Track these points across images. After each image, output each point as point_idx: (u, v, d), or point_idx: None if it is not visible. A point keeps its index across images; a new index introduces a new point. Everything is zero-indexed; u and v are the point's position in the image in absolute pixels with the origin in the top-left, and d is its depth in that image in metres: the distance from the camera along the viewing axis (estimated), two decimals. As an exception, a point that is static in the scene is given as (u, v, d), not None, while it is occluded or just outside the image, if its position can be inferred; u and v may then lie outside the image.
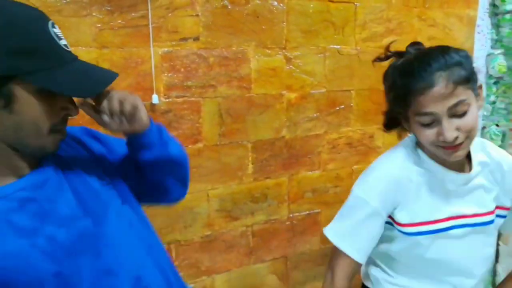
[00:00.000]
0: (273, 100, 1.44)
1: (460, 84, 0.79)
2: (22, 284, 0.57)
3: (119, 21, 1.17)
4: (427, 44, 1.04)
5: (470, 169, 0.90)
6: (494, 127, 1.94)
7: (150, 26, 1.17)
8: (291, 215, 1.56)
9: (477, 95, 0.83)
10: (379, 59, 0.96)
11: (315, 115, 1.53)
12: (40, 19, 0.61)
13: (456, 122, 0.80)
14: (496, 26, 1.89)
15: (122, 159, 0.80)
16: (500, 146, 1.90)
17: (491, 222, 0.92)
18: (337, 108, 1.58)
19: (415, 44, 0.91)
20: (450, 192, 0.90)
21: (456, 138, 0.80)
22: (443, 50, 0.83)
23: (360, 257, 0.91)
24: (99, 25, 1.15)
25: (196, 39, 1.27)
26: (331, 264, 0.95)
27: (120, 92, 0.67)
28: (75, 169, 0.69)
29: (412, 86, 0.81)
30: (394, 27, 1.65)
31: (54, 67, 0.59)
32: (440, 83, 0.79)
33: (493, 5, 1.86)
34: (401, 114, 0.89)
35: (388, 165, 0.93)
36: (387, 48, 0.95)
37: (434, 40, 1.76)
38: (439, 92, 0.79)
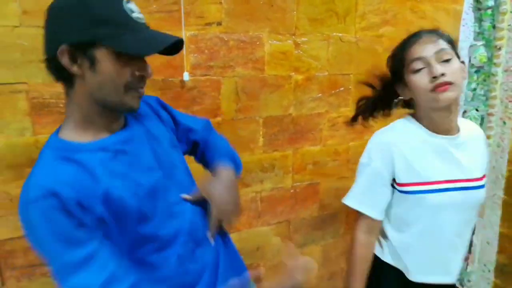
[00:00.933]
0: (283, 80, 1.62)
1: (443, 39, 1.02)
2: (115, 214, 0.75)
3: (154, 6, 1.32)
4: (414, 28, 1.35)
5: (457, 132, 1.10)
6: (474, 111, 2.16)
7: (182, 11, 1.33)
8: (294, 184, 1.76)
9: (461, 62, 1.04)
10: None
11: (318, 95, 1.71)
12: None
13: (443, 66, 1.00)
14: (479, 20, 2.09)
15: (183, 131, 0.98)
16: (478, 128, 2.13)
17: (482, 186, 1.10)
18: (338, 90, 1.76)
19: None
20: (443, 157, 1.08)
21: (444, 74, 0.99)
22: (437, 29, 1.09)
23: (375, 213, 1.11)
24: (137, 10, 1.30)
25: (219, 24, 1.44)
26: (355, 224, 1.14)
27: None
28: (151, 130, 0.86)
29: (406, 43, 1.07)
30: (389, 18, 1.83)
31: (126, 34, 0.73)
32: (427, 35, 1.05)
33: (477, 1, 2.06)
34: (399, 80, 1.10)
35: (385, 134, 1.13)
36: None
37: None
38: (425, 40, 1.03)
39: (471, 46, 2.11)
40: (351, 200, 1.14)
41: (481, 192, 1.12)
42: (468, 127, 1.16)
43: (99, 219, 0.72)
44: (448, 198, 1.06)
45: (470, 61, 2.13)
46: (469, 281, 2.32)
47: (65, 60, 0.72)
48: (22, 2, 1.16)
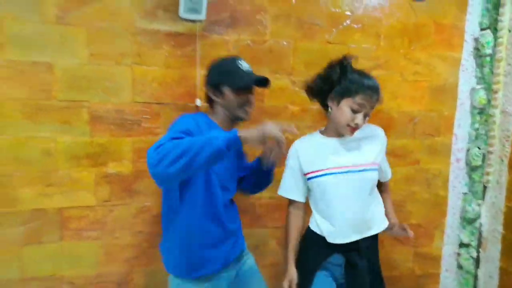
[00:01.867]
0: (280, 110, 2.04)
1: (375, 107, 1.49)
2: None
3: (179, 52, 1.86)
4: (411, 78, 2.07)
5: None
6: (476, 149, 2.33)
7: (198, 56, 1.86)
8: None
9: None
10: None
11: (311, 124, 2.09)
12: (234, 58, 1.52)
13: (363, 119, 1.46)
14: (480, 66, 2.31)
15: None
16: (480, 165, 2.31)
17: (366, 170, 1.52)
18: (332, 120, 2.12)
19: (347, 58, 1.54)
20: (334, 152, 1.54)
21: (360, 124, 1.46)
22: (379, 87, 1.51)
23: (296, 196, 1.59)
24: (167, 55, 1.86)
25: (228, 65, 1.93)
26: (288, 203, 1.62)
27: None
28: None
29: (362, 86, 1.45)
30: (381, 63, 2.16)
31: (236, 78, 1.48)
32: (375, 99, 1.47)
33: (477, 49, 2.29)
34: (334, 99, 1.51)
35: (295, 143, 1.63)
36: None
37: (419, 74, 2.24)
38: (372, 98, 1.46)
39: (472, 89, 2.32)
40: (280, 190, 1.65)
41: (366, 174, 1.53)
42: (367, 130, 1.60)
43: None
44: (333, 179, 1.49)
45: (471, 103, 2.34)
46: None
47: (211, 93, 1.53)
48: (91, 48, 1.77)
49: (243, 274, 1.66)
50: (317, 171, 1.52)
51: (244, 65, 1.52)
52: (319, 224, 1.55)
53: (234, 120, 1.55)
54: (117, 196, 1.88)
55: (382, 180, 1.70)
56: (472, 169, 2.36)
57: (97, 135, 1.83)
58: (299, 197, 1.61)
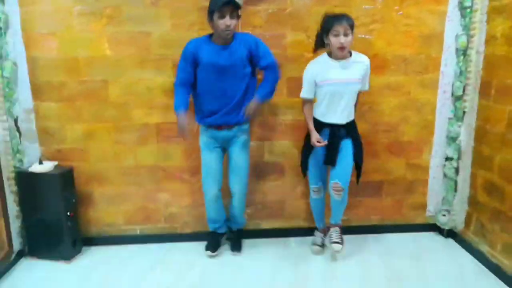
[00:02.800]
0: (299, 57, 2.90)
1: (349, 24, 2.46)
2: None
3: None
4: (401, 28, 2.91)
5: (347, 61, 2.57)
6: (459, 82, 2.96)
7: (240, 21, 2.78)
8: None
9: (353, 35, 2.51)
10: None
11: (323, 66, 2.92)
12: None
13: (345, 38, 2.46)
14: (463, 16, 2.91)
15: (257, 57, 2.66)
16: (461, 95, 2.97)
17: (354, 83, 2.59)
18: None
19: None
20: (337, 68, 2.56)
21: (343, 43, 2.46)
22: (348, 16, 2.50)
23: (308, 95, 2.69)
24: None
25: (260, 27, 2.83)
26: (303, 103, 2.75)
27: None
28: (236, 48, 2.58)
29: (333, 21, 2.46)
30: (378, 18, 2.89)
31: (216, 3, 2.44)
32: (343, 21, 2.44)
33: (460, 3, 2.89)
34: (326, 36, 2.52)
35: (311, 63, 2.66)
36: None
37: (410, 26, 2.92)
38: (342, 24, 2.43)
39: (456, 35, 2.95)
40: (302, 94, 2.68)
41: (354, 85, 2.59)
42: (357, 57, 2.60)
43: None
44: (334, 86, 2.56)
45: (456, 46, 2.96)
46: (449, 211, 3.13)
47: (208, 21, 2.54)
48: (172, 21, 2.79)
49: (231, 139, 2.75)
50: (324, 81, 2.57)
51: None
52: (317, 112, 2.68)
53: (224, 39, 2.53)
54: (189, 115, 2.91)
55: (361, 89, 2.67)
56: (456, 98, 3.02)
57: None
58: (311, 96, 2.67)
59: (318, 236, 3.04)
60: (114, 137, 2.95)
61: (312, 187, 2.85)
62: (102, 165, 2.99)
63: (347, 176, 2.68)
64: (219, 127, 2.68)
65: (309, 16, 2.86)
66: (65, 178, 2.80)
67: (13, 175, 2.74)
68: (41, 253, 2.87)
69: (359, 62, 2.58)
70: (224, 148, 2.80)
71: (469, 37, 2.88)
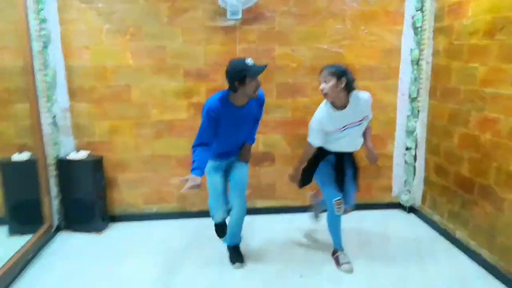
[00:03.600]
0: (285, 66, 3.59)
1: (327, 72, 2.62)
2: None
3: (227, 37, 3.49)
4: (366, 44, 3.61)
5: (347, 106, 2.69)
6: (413, 87, 3.70)
7: (237, 38, 3.46)
8: (293, 115, 3.70)
9: (339, 81, 2.60)
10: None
11: (304, 73, 3.62)
12: (243, 59, 2.51)
13: (323, 84, 2.62)
14: (416, 34, 3.65)
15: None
16: (416, 97, 3.69)
17: (358, 124, 2.74)
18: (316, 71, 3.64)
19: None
20: (340, 117, 2.69)
21: (322, 90, 2.62)
22: (331, 65, 2.67)
23: (318, 144, 2.80)
24: (221, 38, 3.49)
25: (254, 42, 3.52)
26: (307, 143, 2.82)
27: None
28: (251, 107, 2.74)
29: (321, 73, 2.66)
30: (348, 36, 3.61)
31: (251, 70, 2.49)
32: (323, 71, 2.63)
33: (413, 23, 3.63)
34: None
35: (318, 114, 2.74)
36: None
37: (374, 42, 3.65)
38: (324, 74, 2.62)
39: (411, 49, 3.69)
40: (311, 140, 2.76)
41: (359, 126, 2.74)
42: (356, 100, 2.67)
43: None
44: (340, 132, 2.71)
45: (411, 58, 3.70)
46: (410, 191, 3.84)
47: (236, 84, 2.51)
48: (183, 37, 3.47)
49: (233, 162, 2.93)
50: (330, 131, 2.71)
51: (250, 61, 2.49)
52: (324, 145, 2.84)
53: (248, 98, 2.61)
54: (197, 114, 3.55)
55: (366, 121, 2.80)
56: (412, 100, 3.75)
57: (188, 82, 3.55)
58: (319, 144, 2.79)
59: (343, 257, 3.02)
60: (135, 131, 3.59)
61: (334, 201, 2.81)
62: (125, 155, 3.62)
63: (353, 200, 3.02)
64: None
65: (293, 33, 3.56)
66: (96, 165, 3.42)
67: (53, 162, 3.35)
68: (76, 227, 3.48)
69: (358, 104, 2.68)
70: (227, 171, 2.95)
71: (421, 50, 3.62)
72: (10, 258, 2.73)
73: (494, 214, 2.74)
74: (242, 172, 2.91)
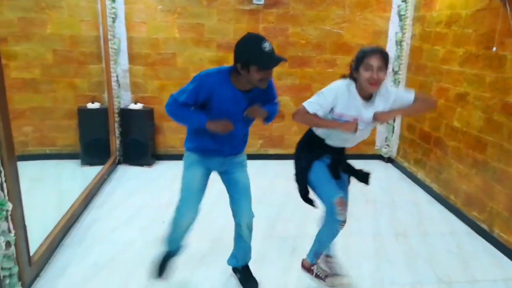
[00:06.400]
0: (296, 43, 4.58)
1: (384, 64, 2.04)
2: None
3: (253, 18, 4.46)
4: (361, 27, 4.58)
5: (371, 99, 2.16)
6: (396, 63, 4.70)
7: (260, 19, 4.44)
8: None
9: (387, 72, 2.10)
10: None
11: (311, 49, 4.61)
12: (259, 41, 1.92)
13: (378, 73, 2.02)
14: (400, 20, 4.61)
15: (267, 98, 2.21)
16: (397, 71, 4.70)
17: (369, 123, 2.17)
18: (320, 50, 4.63)
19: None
20: (358, 106, 2.13)
21: (378, 79, 2.02)
22: (382, 49, 2.08)
23: (313, 111, 2.11)
24: (247, 18, 4.47)
25: (272, 23, 4.50)
26: (302, 111, 2.14)
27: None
28: (255, 94, 2.11)
29: (366, 53, 2.05)
30: (346, 20, 4.58)
31: (261, 60, 1.91)
32: (378, 57, 2.01)
33: (399, 11, 4.59)
34: (356, 69, 2.09)
35: (337, 84, 2.15)
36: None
37: (367, 25, 4.61)
38: (376, 56, 2.02)
39: (395, 32, 4.66)
40: (308, 106, 2.10)
41: (369, 124, 2.17)
42: (382, 93, 2.15)
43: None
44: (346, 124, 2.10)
45: (395, 39, 4.68)
46: (388, 145, 4.91)
47: (239, 68, 1.97)
48: (218, 16, 4.45)
49: (230, 162, 2.30)
50: (340, 114, 2.12)
51: (267, 47, 1.90)
52: (319, 131, 2.28)
53: (252, 86, 2.04)
54: None
55: (409, 103, 2.21)
56: (394, 73, 4.76)
57: (220, 52, 4.56)
58: (316, 113, 2.10)
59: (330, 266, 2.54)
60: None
61: (334, 199, 2.18)
62: (169, 108, 4.66)
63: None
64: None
65: (303, 16, 4.54)
66: (148, 114, 4.49)
67: (117, 110, 4.41)
68: (132, 161, 4.58)
69: (382, 99, 2.17)
70: (210, 171, 2.35)
71: (403, 34, 4.60)
72: (92, 180, 3.81)
73: (442, 157, 3.82)
74: (245, 176, 2.37)
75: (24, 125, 4.28)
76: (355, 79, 2.13)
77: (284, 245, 3.05)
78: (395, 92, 2.25)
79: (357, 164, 2.45)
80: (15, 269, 2.09)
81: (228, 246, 2.59)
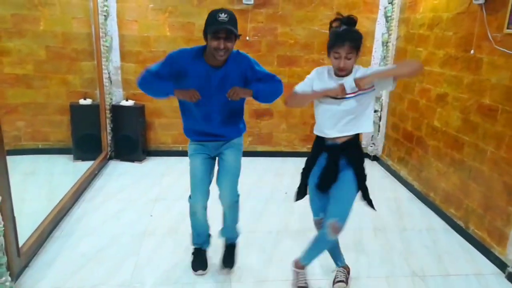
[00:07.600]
0: (285, 42, 4.69)
1: (354, 48, 2.10)
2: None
3: (242, 17, 4.56)
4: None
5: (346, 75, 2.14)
6: (382, 62, 4.81)
7: (249, 19, 4.53)
8: (290, 80, 4.83)
9: (357, 55, 2.14)
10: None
11: (299, 48, 4.72)
12: (216, 11, 2.09)
13: (346, 61, 2.08)
14: (387, 21, 4.72)
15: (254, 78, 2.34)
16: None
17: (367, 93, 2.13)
18: (309, 49, 4.73)
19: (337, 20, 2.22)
20: (336, 81, 2.14)
21: (343, 67, 2.08)
22: (353, 31, 2.18)
23: (300, 89, 2.24)
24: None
25: (261, 22, 4.60)
26: (291, 94, 2.27)
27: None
28: (230, 71, 2.26)
29: (335, 42, 2.09)
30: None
31: (211, 25, 2.09)
32: (347, 46, 2.06)
33: (385, 13, 4.70)
34: (328, 55, 2.15)
35: (319, 69, 2.26)
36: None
37: (354, 26, 4.71)
38: (344, 48, 2.06)
39: (382, 33, 4.77)
40: (297, 89, 2.24)
41: (368, 94, 2.13)
42: (357, 69, 2.16)
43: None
44: (338, 105, 2.13)
45: (382, 40, 4.79)
46: (374, 143, 5.03)
47: (204, 36, 2.17)
48: (208, 16, 4.54)
49: (225, 147, 2.47)
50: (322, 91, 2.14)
51: (221, 16, 2.03)
52: (316, 128, 2.30)
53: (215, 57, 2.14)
54: None
55: (389, 89, 2.24)
56: (381, 73, 4.87)
57: (209, 51, 4.64)
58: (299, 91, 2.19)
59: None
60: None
61: (314, 219, 2.44)
62: (160, 104, 4.76)
63: (347, 211, 2.27)
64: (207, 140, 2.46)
65: (292, 16, 4.64)
66: (139, 111, 4.58)
67: (109, 107, 4.50)
68: (122, 157, 4.68)
69: (358, 70, 2.17)
70: (214, 158, 2.53)
71: (389, 35, 4.71)
72: (83, 175, 3.90)
73: (423, 156, 3.94)
74: (234, 157, 2.50)
75: (17, 120, 4.38)
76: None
77: (268, 238, 3.17)
78: (375, 67, 2.22)
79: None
80: (4, 259, 2.18)
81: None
